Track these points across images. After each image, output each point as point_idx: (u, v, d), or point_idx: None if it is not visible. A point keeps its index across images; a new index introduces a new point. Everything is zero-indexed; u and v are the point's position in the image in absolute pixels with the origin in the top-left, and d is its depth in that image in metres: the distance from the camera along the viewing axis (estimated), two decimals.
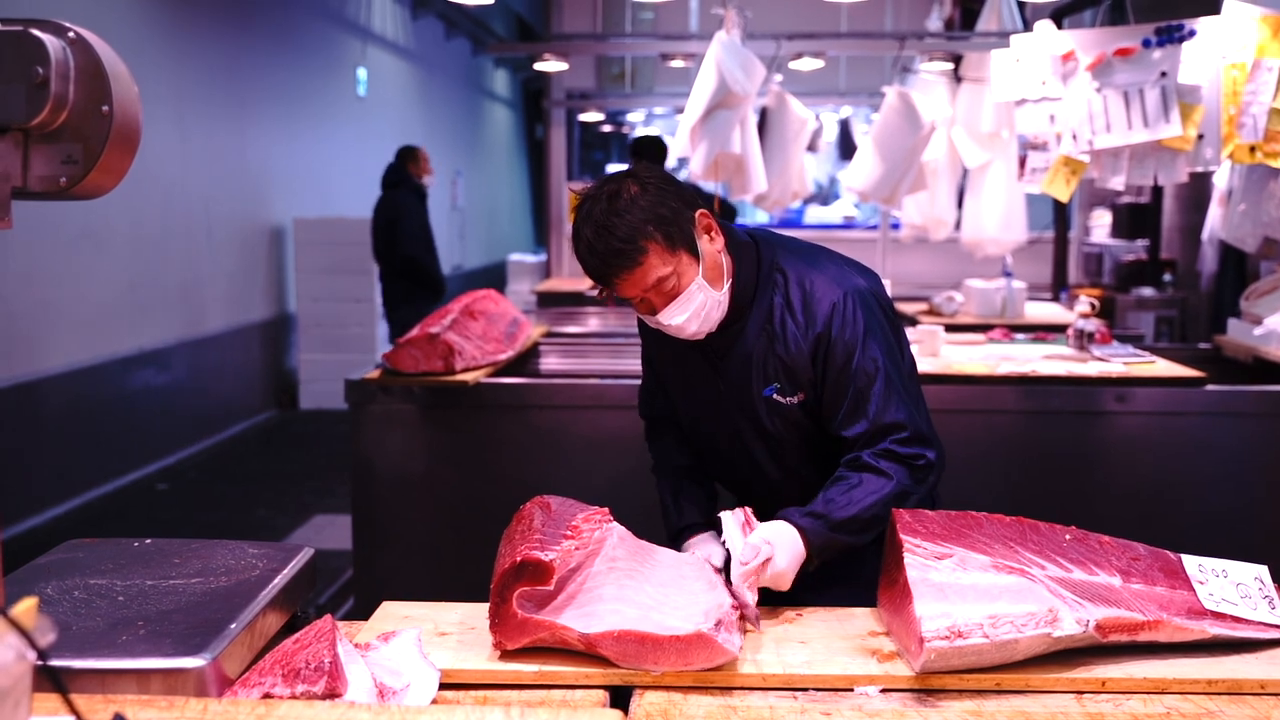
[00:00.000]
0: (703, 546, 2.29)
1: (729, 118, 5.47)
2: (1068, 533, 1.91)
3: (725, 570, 2.04)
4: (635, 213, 2.06)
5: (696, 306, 2.14)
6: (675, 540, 2.37)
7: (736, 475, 2.42)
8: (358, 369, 4.33)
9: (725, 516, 2.09)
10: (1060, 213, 8.34)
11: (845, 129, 14.07)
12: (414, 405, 4.10)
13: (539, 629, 1.72)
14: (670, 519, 2.42)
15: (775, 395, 2.24)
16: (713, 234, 2.18)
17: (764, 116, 6.80)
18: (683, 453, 2.48)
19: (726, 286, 2.19)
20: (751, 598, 1.90)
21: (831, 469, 2.22)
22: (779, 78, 7.14)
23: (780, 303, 2.22)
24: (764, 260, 2.25)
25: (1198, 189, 7.66)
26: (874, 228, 8.02)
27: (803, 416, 2.25)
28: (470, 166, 15.85)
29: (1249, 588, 1.87)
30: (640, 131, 14.75)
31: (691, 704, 1.62)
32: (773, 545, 2.00)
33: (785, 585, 2.02)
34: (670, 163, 7.02)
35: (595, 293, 2.16)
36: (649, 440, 2.56)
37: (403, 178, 7.95)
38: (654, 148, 7.02)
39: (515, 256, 14.31)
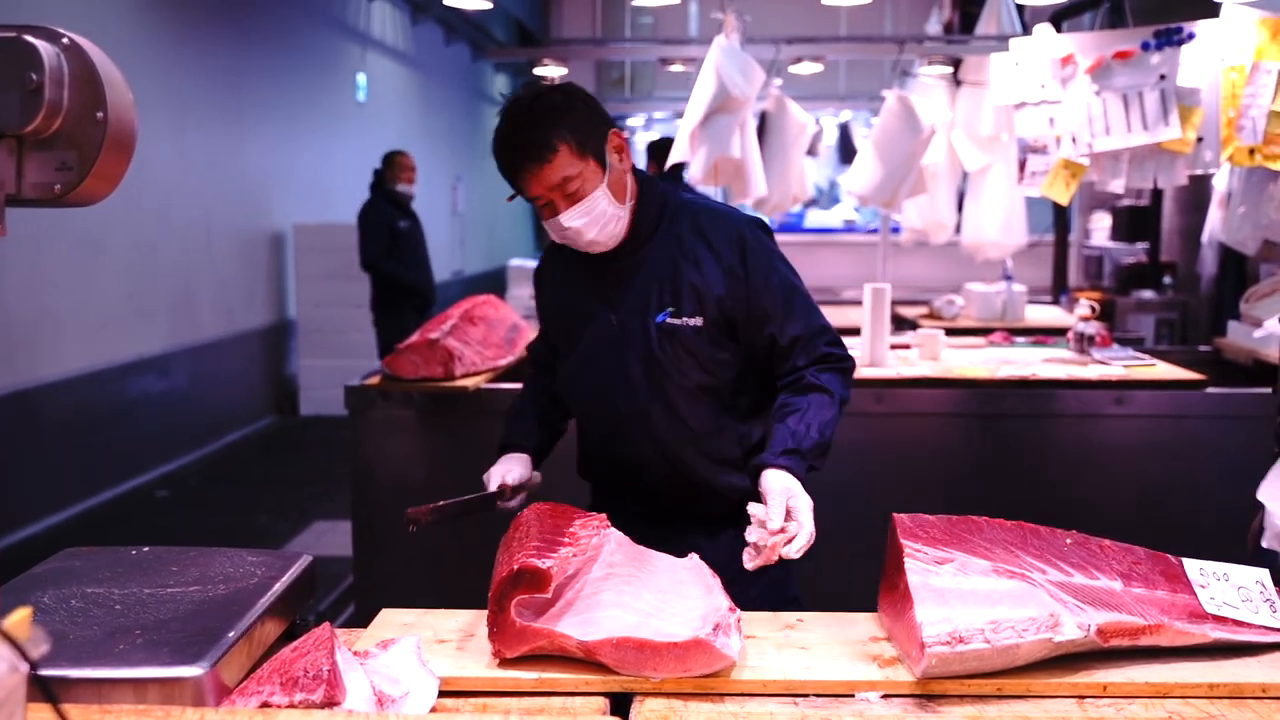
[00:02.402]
0: (505, 463, 2.45)
1: (728, 122, 5.47)
2: (1068, 537, 1.90)
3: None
4: (553, 115, 2.20)
5: (597, 214, 2.26)
6: (500, 452, 2.52)
7: (615, 427, 2.43)
8: (358, 375, 4.32)
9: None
10: (1060, 216, 8.34)
11: (845, 133, 14.08)
12: (414, 411, 4.09)
13: (538, 637, 1.71)
14: (502, 435, 2.56)
15: (670, 319, 2.34)
16: (623, 155, 2.32)
17: (763, 121, 6.80)
18: (546, 392, 2.62)
19: (629, 206, 2.33)
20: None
21: (712, 415, 2.37)
22: (778, 82, 7.14)
23: (689, 231, 2.36)
24: (669, 197, 2.40)
25: (1197, 192, 7.65)
26: (874, 231, 8.03)
27: (696, 341, 2.34)
28: (470, 172, 15.85)
29: (1250, 591, 1.86)
30: (649, 135, 14.76)
31: (692, 711, 1.62)
32: (796, 508, 2.07)
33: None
34: None
35: (508, 199, 2.33)
36: (526, 379, 2.72)
37: (379, 182, 7.99)
38: (669, 150, 7.01)
39: (515, 262, 14.25)
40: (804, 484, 2.14)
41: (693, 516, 2.43)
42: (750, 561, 2.00)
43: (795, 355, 2.34)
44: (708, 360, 2.36)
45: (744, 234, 2.35)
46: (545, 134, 2.19)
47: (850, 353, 2.41)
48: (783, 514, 2.02)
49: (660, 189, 2.40)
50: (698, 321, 2.33)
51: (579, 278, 2.44)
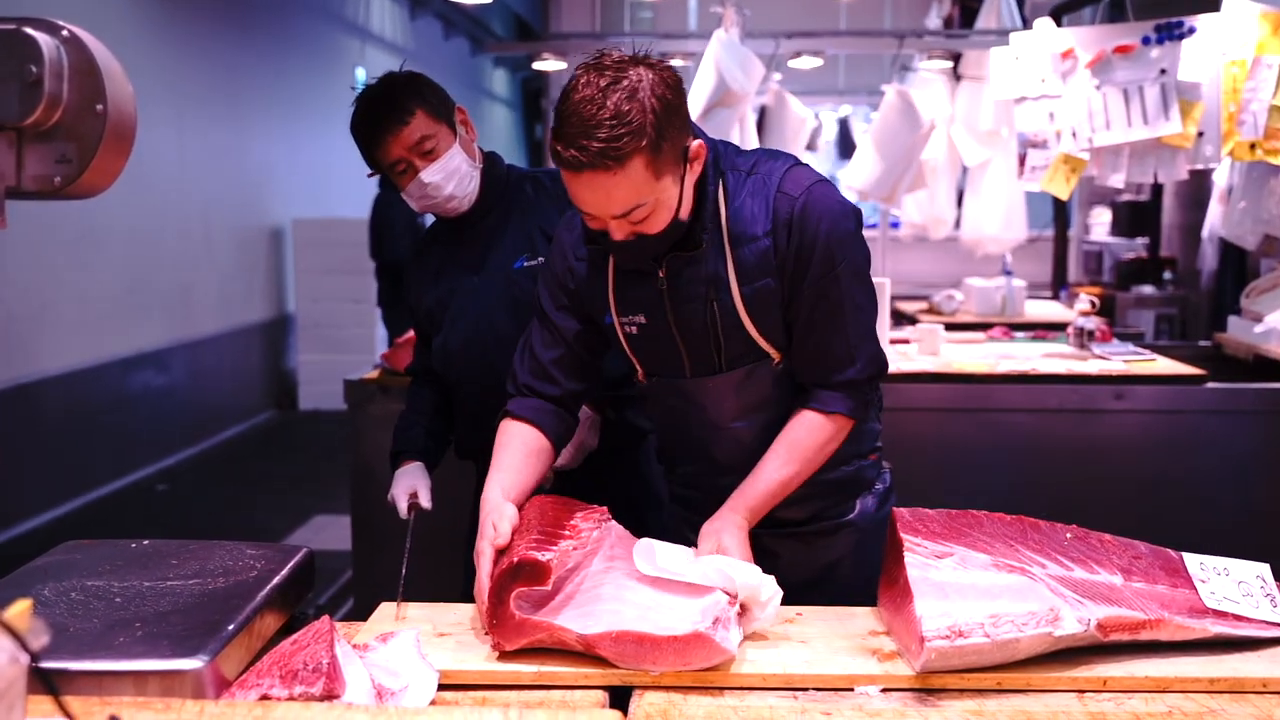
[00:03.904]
0: (406, 479, 2.59)
1: (728, 116, 5.46)
2: (1069, 531, 1.90)
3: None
4: (407, 88, 2.47)
5: (453, 169, 2.48)
6: (392, 461, 2.67)
7: (489, 388, 2.46)
8: (357, 369, 4.32)
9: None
10: (1060, 211, 8.34)
11: (844, 127, 14.06)
12: None
13: (537, 629, 1.71)
14: (393, 444, 2.70)
15: (527, 262, 2.53)
16: (468, 128, 2.56)
17: (763, 115, 6.80)
18: (433, 393, 2.76)
19: (478, 168, 2.55)
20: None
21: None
22: (778, 76, 7.14)
23: (531, 189, 2.60)
24: (511, 168, 2.65)
25: (1198, 186, 7.65)
26: (873, 226, 8.03)
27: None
28: None
29: (1251, 586, 1.86)
30: None
31: (691, 704, 1.62)
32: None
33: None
34: None
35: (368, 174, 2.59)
36: (409, 388, 2.84)
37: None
38: None
39: None
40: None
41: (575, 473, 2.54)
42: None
43: None
44: None
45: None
46: (402, 102, 2.45)
47: None
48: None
49: (502, 161, 2.65)
50: (540, 261, 2.47)
51: (443, 261, 2.64)
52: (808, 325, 2.02)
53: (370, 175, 2.61)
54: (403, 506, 2.55)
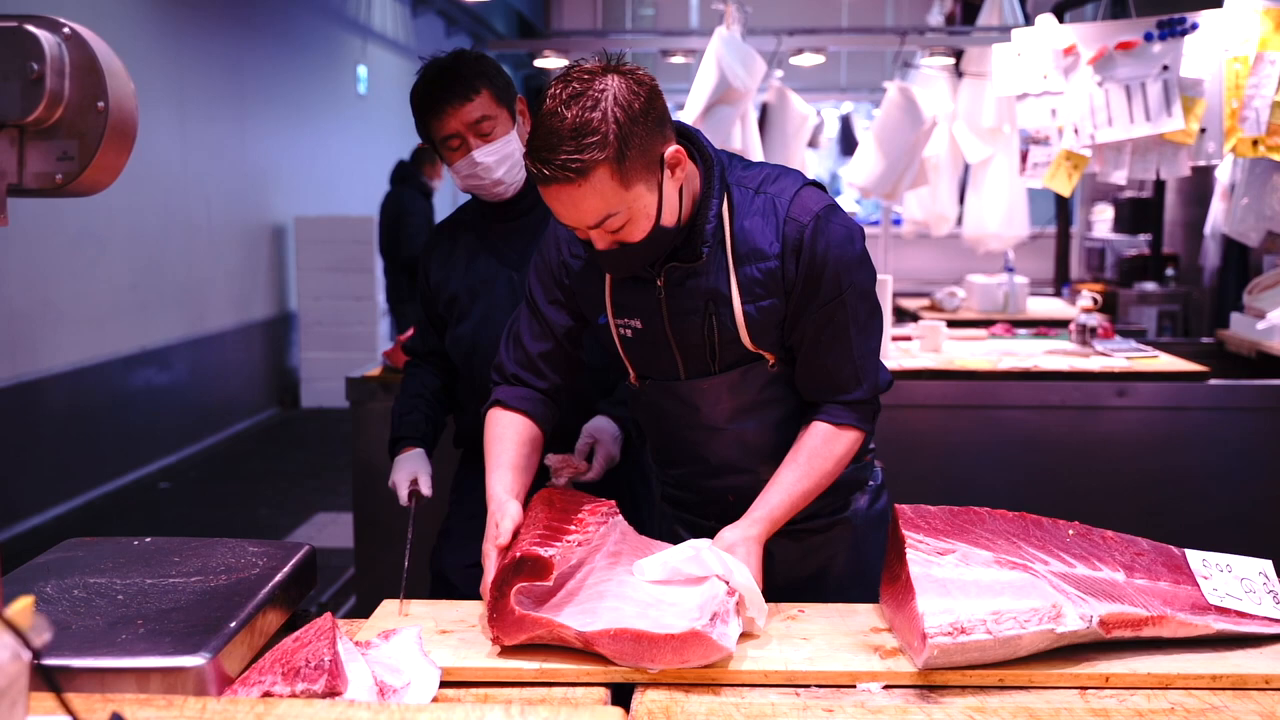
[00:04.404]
0: (407, 464, 2.58)
1: (730, 114, 5.46)
2: (1071, 528, 1.90)
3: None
4: (476, 65, 2.47)
5: (507, 154, 2.49)
6: (392, 446, 2.66)
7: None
8: (359, 367, 4.32)
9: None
10: (1062, 207, 8.33)
11: (846, 124, 14.06)
12: None
13: (537, 625, 1.71)
14: (393, 428, 2.69)
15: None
16: (526, 119, 2.54)
17: (765, 112, 6.79)
18: (433, 378, 2.77)
19: None
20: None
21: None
22: (780, 73, 7.13)
23: None
24: None
25: (1200, 183, 7.65)
26: (876, 223, 8.02)
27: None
28: None
29: (1253, 582, 1.86)
30: None
31: (693, 701, 1.62)
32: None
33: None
34: None
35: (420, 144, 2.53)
36: (406, 369, 2.83)
37: (409, 175, 7.93)
38: None
39: None
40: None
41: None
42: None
43: None
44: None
45: None
46: (470, 77, 2.45)
47: None
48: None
49: None
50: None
51: (475, 250, 2.64)
52: (814, 346, 2.02)
53: (421, 147, 2.64)
54: (403, 494, 2.55)
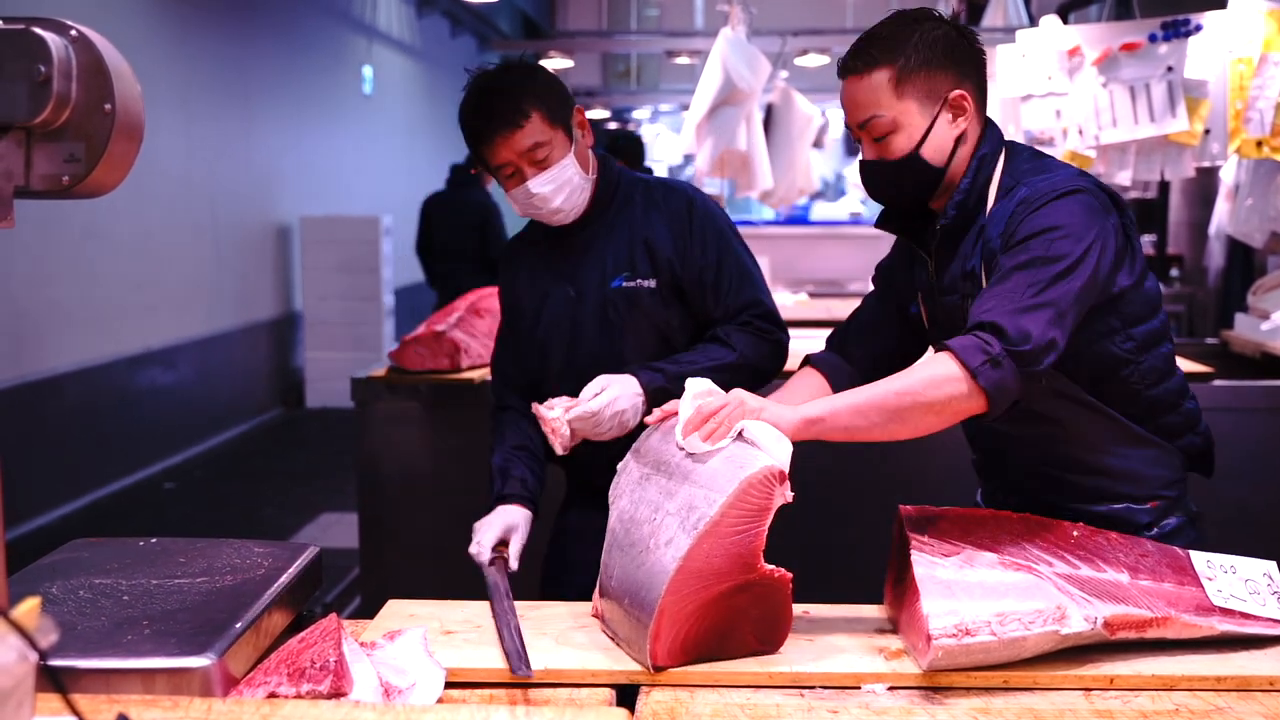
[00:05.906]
0: (511, 517, 2.32)
1: (734, 114, 5.47)
2: (1075, 529, 1.90)
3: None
4: (525, 83, 2.28)
5: (564, 181, 2.31)
6: (494, 501, 2.39)
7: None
8: (364, 367, 4.32)
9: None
10: None
11: None
12: (420, 403, 4.09)
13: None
14: (495, 485, 2.42)
15: (625, 283, 2.39)
16: (585, 130, 2.39)
17: (769, 113, 6.80)
18: (523, 429, 2.51)
19: (591, 178, 2.39)
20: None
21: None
22: (784, 74, 7.14)
23: (641, 199, 2.43)
24: (623, 173, 2.47)
25: (1204, 184, 7.63)
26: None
27: (650, 302, 2.39)
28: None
29: (1257, 584, 1.86)
30: (655, 127, 14.73)
31: (699, 701, 1.62)
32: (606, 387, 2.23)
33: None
34: (674, 159, 7.03)
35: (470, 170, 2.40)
36: (495, 415, 2.61)
37: (474, 180, 7.97)
38: (631, 146, 7.01)
39: None
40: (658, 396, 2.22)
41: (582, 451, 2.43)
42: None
43: (723, 322, 2.42)
44: (663, 324, 2.41)
45: (692, 199, 2.43)
46: (518, 101, 2.24)
47: (780, 334, 2.45)
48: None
49: (615, 166, 2.47)
50: (651, 284, 2.39)
51: (540, 262, 2.49)
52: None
53: (474, 171, 2.51)
54: (486, 555, 2.23)
